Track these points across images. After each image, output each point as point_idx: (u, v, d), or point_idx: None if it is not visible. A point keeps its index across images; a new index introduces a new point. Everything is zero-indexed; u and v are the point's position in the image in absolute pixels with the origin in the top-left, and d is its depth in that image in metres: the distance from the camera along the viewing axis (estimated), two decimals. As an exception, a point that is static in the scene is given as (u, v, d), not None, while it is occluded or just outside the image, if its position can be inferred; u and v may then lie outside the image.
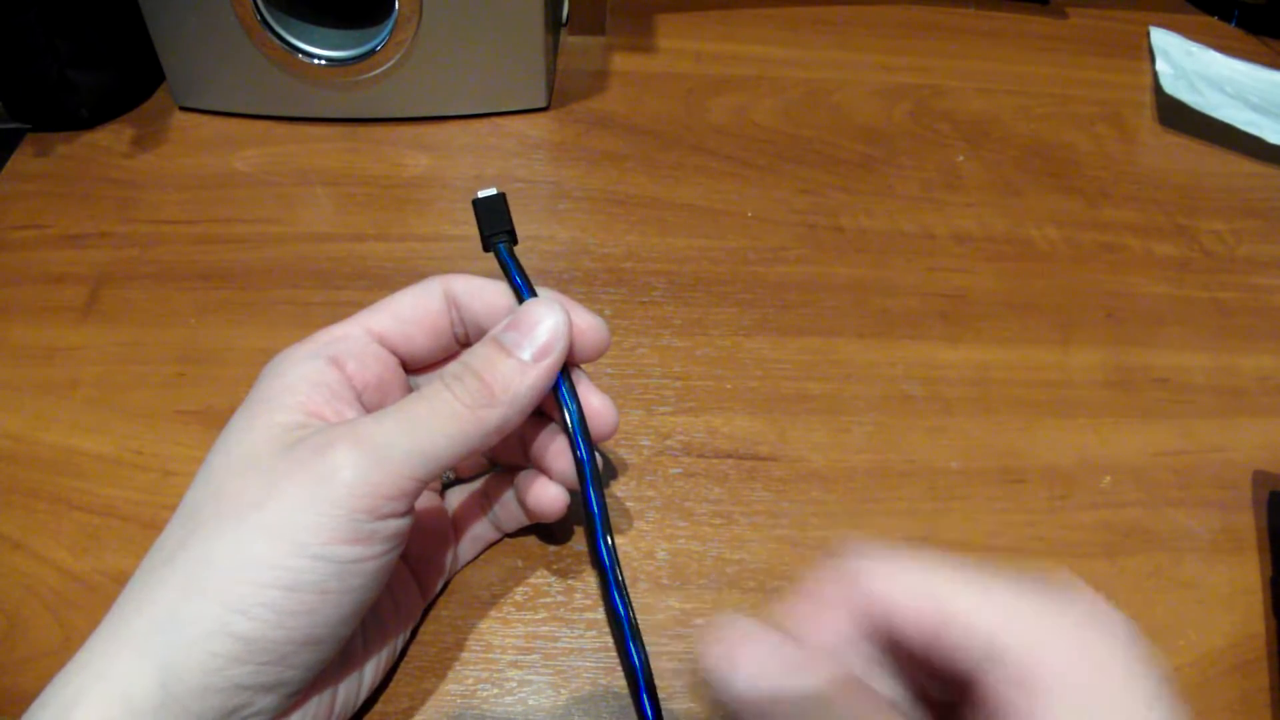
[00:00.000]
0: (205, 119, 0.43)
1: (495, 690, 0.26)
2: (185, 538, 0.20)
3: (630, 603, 0.25)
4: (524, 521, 0.28)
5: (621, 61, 0.48)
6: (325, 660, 0.21)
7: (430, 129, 0.43)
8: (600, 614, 0.27)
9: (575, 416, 0.24)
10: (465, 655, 0.26)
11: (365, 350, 0.24)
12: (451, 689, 0.26)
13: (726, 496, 0.30)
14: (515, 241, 0.26)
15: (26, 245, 0.37)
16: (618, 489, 0.30)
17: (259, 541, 0.19)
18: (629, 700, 0.26)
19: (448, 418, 0.21)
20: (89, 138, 0.41)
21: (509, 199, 0.26)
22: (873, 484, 0.31)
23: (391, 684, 0.25)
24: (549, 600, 0.28)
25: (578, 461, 0.24)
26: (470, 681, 0.26)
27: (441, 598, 0.27)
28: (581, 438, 0.24)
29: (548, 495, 0.26)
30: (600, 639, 0.27)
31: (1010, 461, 0.32)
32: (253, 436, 0.21)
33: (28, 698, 0.25)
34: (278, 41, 0.39)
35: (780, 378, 0.34)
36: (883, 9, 0.54)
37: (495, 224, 0.26)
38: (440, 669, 0.26)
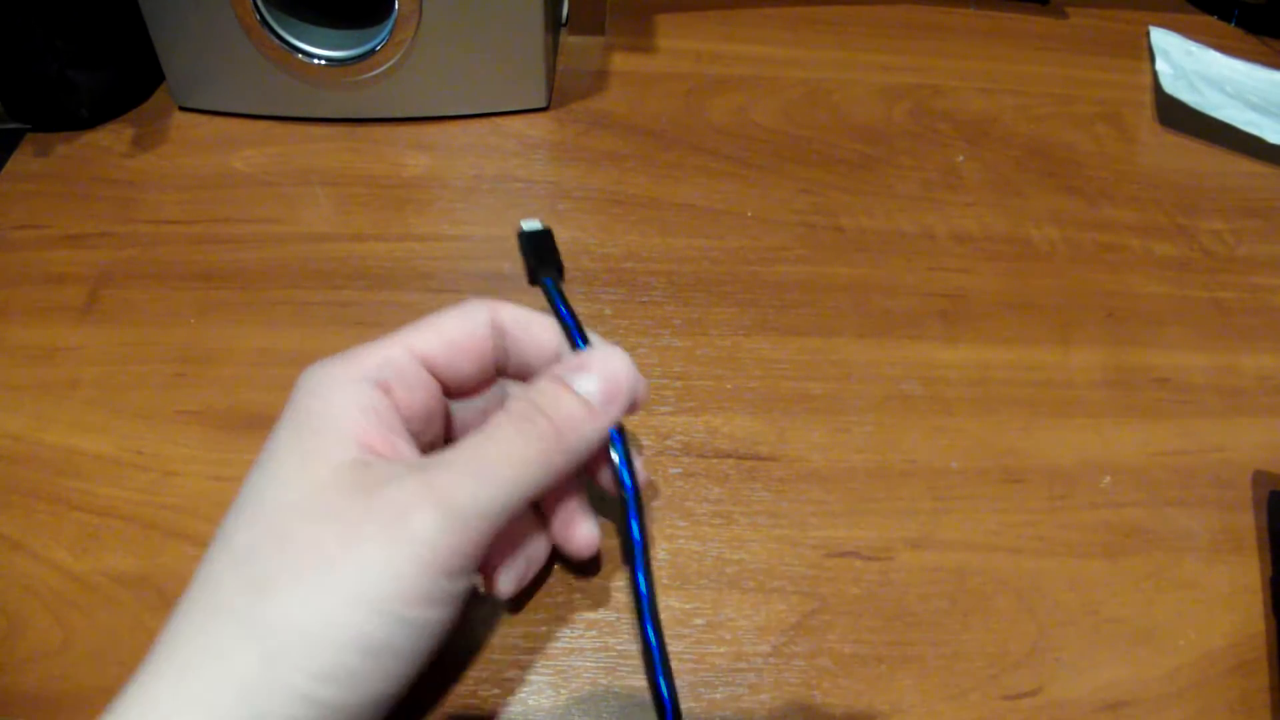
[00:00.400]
0: (205, 119, 0.43)
1: (495, 690, 0.26)
2: (254, 592, 0.19)
3: (663, 637, 0.25)
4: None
5: (621, 61, 0.48)
6: (386, 716, 0.21)
7: (430, 129, 0.43)
8: (601, 614, 0.27)
9: (630, 485, 0.24)
10: (465, 655, 0.26)
11: (413, 376, 0.23)
12: (451, 689, 0.26)
13: (726, 496, 0.30)
14: (562, 276, 0.26)
15: (26, 245, 0.37)
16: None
17: (342, 605, 0.19)
18: (629, 700, 0.26)
19: (520, 464, 0.21)
20: (89, 138, 0.41)
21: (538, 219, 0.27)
22: (873, 484, 0.31)
23: (391, 684, 0.25)
24: (549, 600, 0.28)
25: (627, 533, 0.24)
26: (470, 682, 0.26)
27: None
28: (634, 500, 0.24)
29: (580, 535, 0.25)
30: (600, 639, 0.27)
31: (1010, 461, 0.32)
32: (311, 474, 0.20)
33: (28, 698, 0.25)
34: (278, 41, 0.39)
35: (780, 378, 0.34)
36: (883, 9, 0.54)
37: (543, 258, 0.26)
38: (440, 669, 0.26)
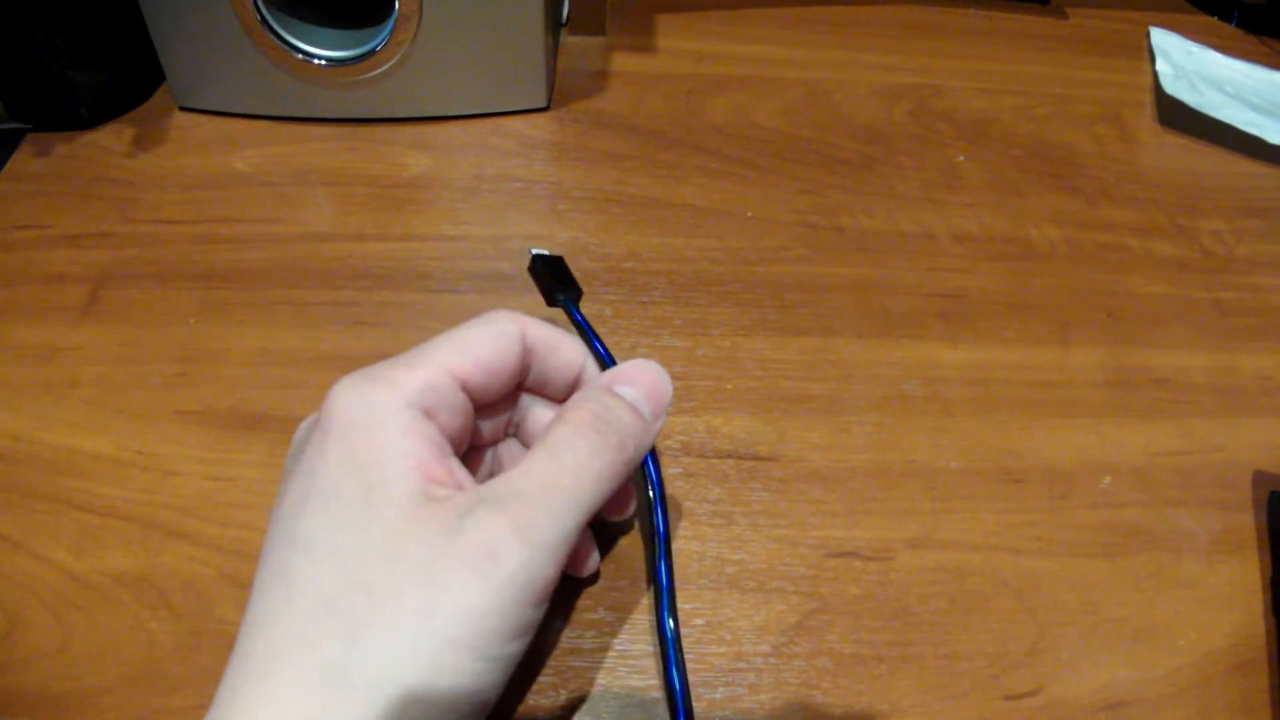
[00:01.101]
0: (205, 119, 0.43)
1: (495, 690, 0.26)
2: (346, 643, 0.18)
3: (685, 673, 0.25)
4: None
5: (621, 61, 0.48)
6: None
7: (430, 129, 0.43)
8: (601, 615, 0.27)
9: (656, 477, 0.25)
10: (465, 655, 0.26)
11: (454, 400, 0.22)
12: (451, 689, 0.26)
13: (726, 496, 0.30)
14: (580, 299, 0.27)
15: (26, 245, 0.37)
16: (618, 489, 0.30)
17: (441, 651, 0.19)
18: (629, 700, 0.26)
19: (592, 481, 0.21)
20: (89, 138, 0.41)
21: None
22: (873, 484, 0.31)
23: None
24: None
25: (653, 524, 0.25)
26: (470, 681, 0.26)
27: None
28: (660, 503, 0.25)
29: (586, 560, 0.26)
30: (600, 639, 0.27)
31: (1010, 461, 0.32)
32: (382, 514, 0.19)
33: (28, 698, 0.25)
34: (278, 41, 0.39)
35: (780, 378, 0.34)
36: (883, 9, 0.54)
37: (561, 280, 0.27)
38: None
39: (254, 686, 0.18)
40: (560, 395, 0.25)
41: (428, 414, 0.21)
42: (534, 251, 0.29)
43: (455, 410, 0.22)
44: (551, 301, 0.27)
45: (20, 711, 0.24)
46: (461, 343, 0.23)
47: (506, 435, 0.27)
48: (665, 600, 0.25)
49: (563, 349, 0.25)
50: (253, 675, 0.19)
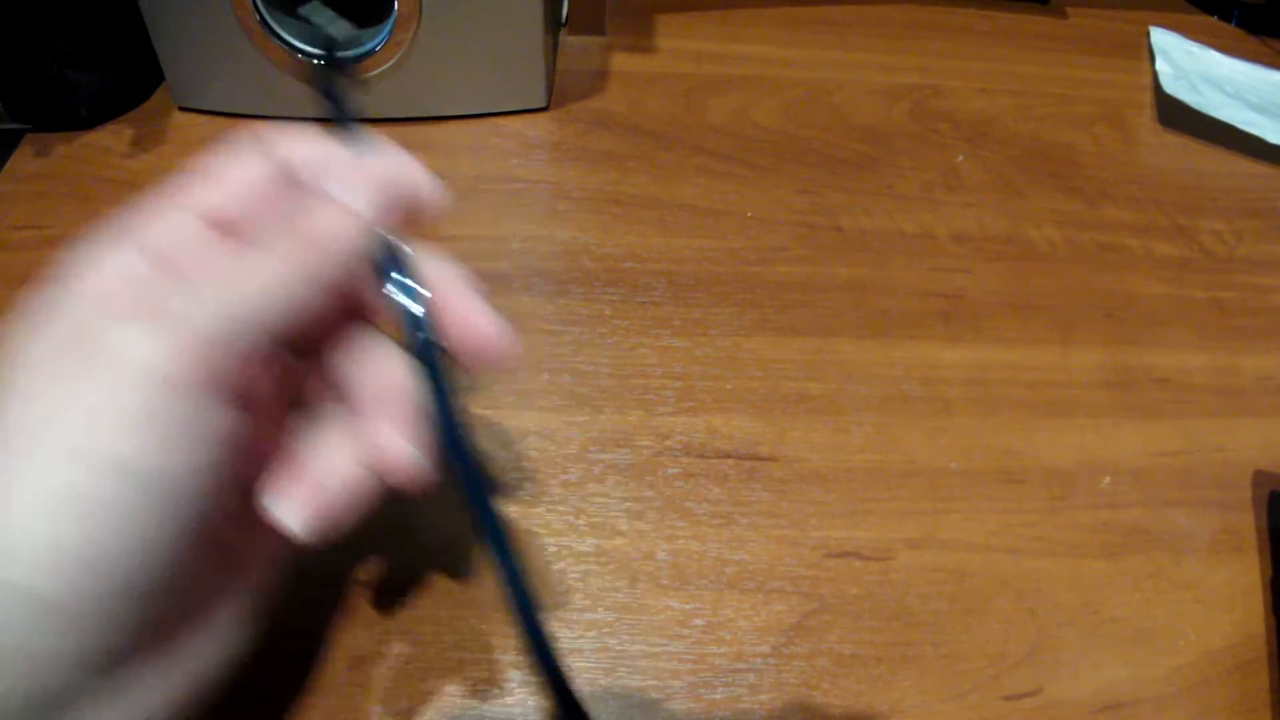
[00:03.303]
0: (205, 119, 0.43)
1: (495, 690, 0.26)
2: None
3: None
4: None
5: (621, 61, 0.48)
6: (150, 617, 0.17)
7: (430, 129, 0.43)
8: (600, 615, 0.27)
9: (453, 434, 0.19)
10: (465, 655, 0.26)
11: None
12: (451, 689, 0.26)
13: (726, 496, 0.30)
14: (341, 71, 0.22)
15: (26, 245, 0.37)
16: (617, 489, 0.30)
17: (52, 465, 0.15)
18: (629, 701, 0.26)
19: (267, 273, 0.17)
20: (89, 138, 0.41)
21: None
22: (873, 484, 0.31)
23: (391, 684, 0.25)
24: (548, 601, 0.28)
25: (441, 424, 0.19)
26: (470, 682, 0.26)
27: (440, 597, 0.27)
28: (443, 401, 0.19)
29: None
30: (600, 639, 0.27)
31: (1010, 461, 0.32)
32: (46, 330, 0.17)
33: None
34: (278, 42, 0.39)
35: (780, 378, 0.34)
36: (883, 9, 0.54)
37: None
38: (440, 669, 0.26)
39: None
40: None
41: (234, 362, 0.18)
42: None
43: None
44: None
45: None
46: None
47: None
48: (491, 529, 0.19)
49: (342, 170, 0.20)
50: None
